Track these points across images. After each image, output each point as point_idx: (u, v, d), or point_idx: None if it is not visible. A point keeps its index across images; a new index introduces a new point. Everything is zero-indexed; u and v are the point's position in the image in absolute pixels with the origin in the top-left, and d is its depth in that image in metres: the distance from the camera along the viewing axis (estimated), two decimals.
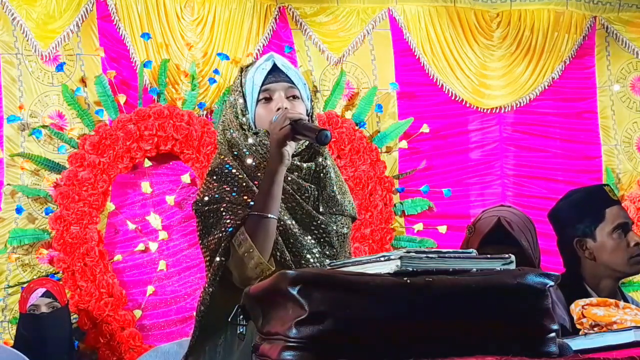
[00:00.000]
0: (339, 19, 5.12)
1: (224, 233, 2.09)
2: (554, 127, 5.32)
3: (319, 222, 2.20)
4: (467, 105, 5.22)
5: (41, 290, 4.00)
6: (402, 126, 5.11)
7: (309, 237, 2.19)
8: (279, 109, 2.19)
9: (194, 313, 2.25)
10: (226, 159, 2.22)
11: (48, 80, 4.63)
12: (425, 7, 5.19)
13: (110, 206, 4.62)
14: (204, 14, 4.86)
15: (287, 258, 2.14)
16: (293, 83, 2.25)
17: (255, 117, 2.24)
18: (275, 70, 2.26)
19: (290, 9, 5.05)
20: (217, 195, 2.15)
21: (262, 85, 2.24)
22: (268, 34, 4.98)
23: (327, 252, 2.20)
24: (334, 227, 2.22)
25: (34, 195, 4.51)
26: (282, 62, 2.28)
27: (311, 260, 2.16)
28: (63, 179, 4.50)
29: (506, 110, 5.26)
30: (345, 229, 2.26)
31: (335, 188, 2.25)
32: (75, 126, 4.60)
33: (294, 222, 2.18)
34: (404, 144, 5.11)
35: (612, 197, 2.93)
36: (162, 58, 4.75)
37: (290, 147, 2.10)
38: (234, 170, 2.19)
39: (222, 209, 2.13)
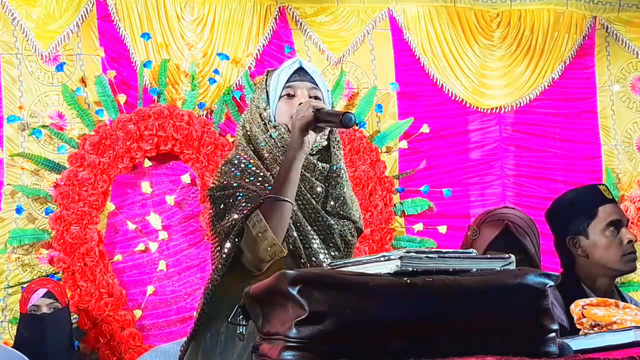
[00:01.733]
0: (339, 19, 5.11)
1: (240, 215, 2.10)
2: (554, 127, 5.31)
3: (325, 221, 2.22)
4: (467, 105, 5.22)
5: (42, 291, 4.00)
6: (402, 126, 5.10)
7: (317, 238, 2.21)
8: (301, 103, 2.21)
9: (195, 313, 2.25)
10: (244, 151, 2.25)
11: (48, 80, 4.62)
12: (425, 7, 5.18)
13: (110, 206, 4.62)
14: (204, 14, 4.86)
15: (300, 249, 2.16)
16: (317, 85, 2.28)
17: (276, 112, 2.26)
18: (300, 70, 2.29)
19: (290, 9, 5.04)
20: (233, 182, 2.17)
21: (287, 82, 2.27)
22: (268, 34, 4.97)
23: (332, 254, 2.22)
24: (338, 229, 2.24)
25: (34, 195, 4.51)
26: (309, 66, 2.32)
27: (321, 256, 2.18)
28: (63, 179, 4.50)
29: (506, 110, 5.26)
30: (349, 235, 2.27)
31: (345, 189, 2.27)
32: (75, 126, 4.60)
33: (303, 219, 2.20)
34: (404, 144, 5.10)
35: (606, 196, 2.93)
36: (162, 58, 4.75)
37: (311, 137, 2.13)
38: (251, 161, 2.22)
39: (238, 194, 2.14)
